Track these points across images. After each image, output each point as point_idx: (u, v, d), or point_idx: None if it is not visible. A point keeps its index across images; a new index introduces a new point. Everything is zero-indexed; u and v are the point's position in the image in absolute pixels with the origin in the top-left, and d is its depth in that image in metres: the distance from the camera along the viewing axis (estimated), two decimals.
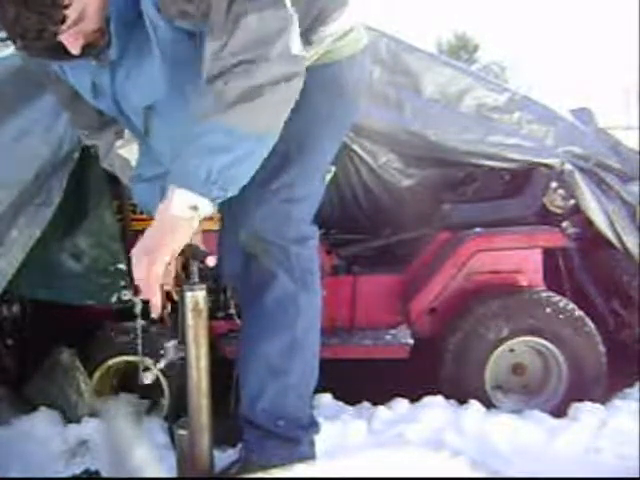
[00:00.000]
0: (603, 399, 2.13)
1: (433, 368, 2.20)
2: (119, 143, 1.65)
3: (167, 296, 1.51)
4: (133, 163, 1.66)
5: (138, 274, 1.28)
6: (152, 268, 1.26)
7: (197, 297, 1.44)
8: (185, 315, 1.45)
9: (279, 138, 1.33)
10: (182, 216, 1.27)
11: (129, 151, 1.66)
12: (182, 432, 1.51)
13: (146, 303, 2.06)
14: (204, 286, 1.46)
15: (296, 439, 1.61)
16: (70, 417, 2.06)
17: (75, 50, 1.32)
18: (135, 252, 1.30)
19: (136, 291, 1.32)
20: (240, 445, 1.69)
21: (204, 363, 1.47)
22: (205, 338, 1.46)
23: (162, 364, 1.47)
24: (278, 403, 1.60)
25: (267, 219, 1.51)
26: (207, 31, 1.28)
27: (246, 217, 1.54)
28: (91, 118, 1.64)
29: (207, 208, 1.29)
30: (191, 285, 1.44)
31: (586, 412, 2.04)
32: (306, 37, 1.43)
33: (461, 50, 22.17)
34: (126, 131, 1.65)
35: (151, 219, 1.97)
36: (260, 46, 1.25)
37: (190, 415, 1.48)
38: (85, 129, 1.70)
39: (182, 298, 1.45)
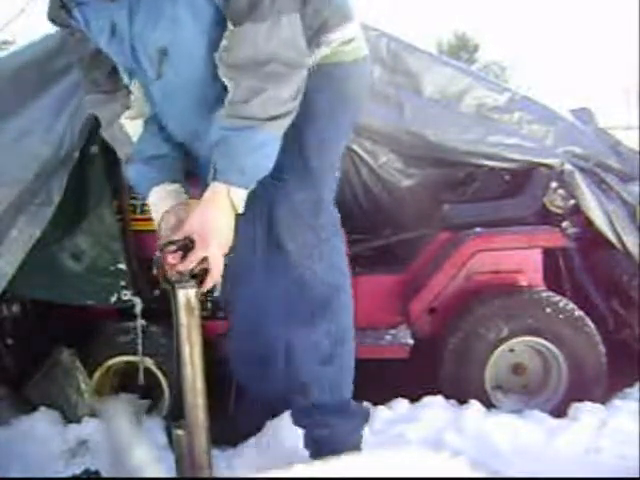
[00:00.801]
0: (603, 399, 2.13)
1: (433, 368, 2.20)
2: (125, 115, 1.65)
3: None
4: (134, 139, 1.66)
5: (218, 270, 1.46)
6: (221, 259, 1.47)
7: (189, 295, 1.44)
8: (178, 314, 1.44)
9: (290, 135, 1.50)
10: (237, 208, 1.48)
11: (133, 126, 1.66)
12: (179, 432, 1.51)
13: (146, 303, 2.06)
14: (195, 283, 1.45)
15: (353, 414, 1.76)
16: (70, 417, 2.06)
17: None
18: (211, 252, 1.44)
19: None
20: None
21: (198, 362, 1.47)
22: (198, 336, 1.46)
23: None
24: (334, 387, 1.74)
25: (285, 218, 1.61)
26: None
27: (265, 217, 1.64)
28: (104, 80, 1.65)
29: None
30: (183, 283, 1.44)
31: (586, 412, 2.04)
32: (309, 42, 1.54)
33: (461, 50, 22.18)
34: (133, 105, 1.65)
35: (149, 219, 1.98)
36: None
37: (186, 415, 1.48)
38: (95, 93, 1.69)
39: (174, 296, 1.44)
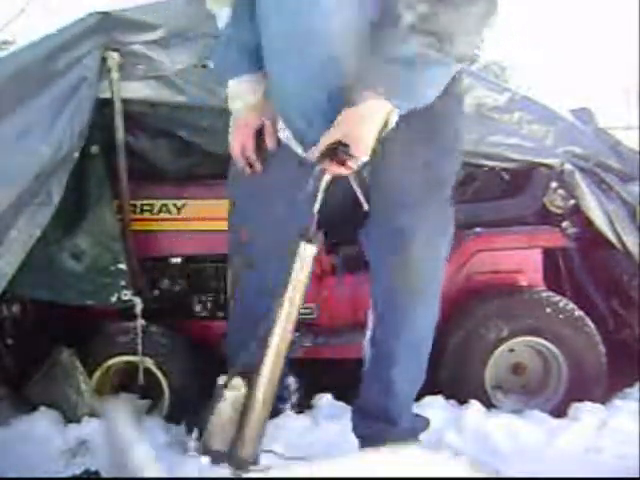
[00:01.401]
0: (603, 399, 2.13)
1: (433, 368, 2.19)
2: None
3: None
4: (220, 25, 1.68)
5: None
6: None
7: (311, 250, 1.48)
8: (294, 268, 1.47)
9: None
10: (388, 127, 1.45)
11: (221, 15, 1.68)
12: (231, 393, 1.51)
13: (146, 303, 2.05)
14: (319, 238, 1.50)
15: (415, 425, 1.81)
16: (70, 417, 2.06)
17: None
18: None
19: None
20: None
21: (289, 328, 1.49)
22: (302, 294, 1.49)
23: None
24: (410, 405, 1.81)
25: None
26: None
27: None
28: None
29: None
30: (308, 238, 1.48)
31: (586, 412, 2.04)
32: None
33: None
34: None
35: (149, 219, 1.97)
36: None
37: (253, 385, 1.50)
38: None
39: (295, 252, 1.48)
